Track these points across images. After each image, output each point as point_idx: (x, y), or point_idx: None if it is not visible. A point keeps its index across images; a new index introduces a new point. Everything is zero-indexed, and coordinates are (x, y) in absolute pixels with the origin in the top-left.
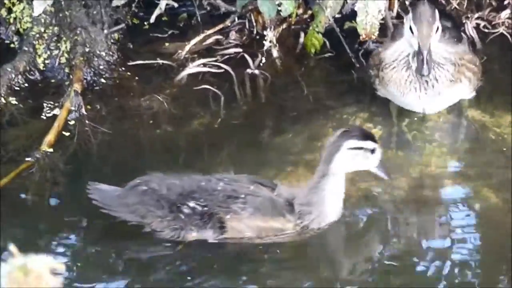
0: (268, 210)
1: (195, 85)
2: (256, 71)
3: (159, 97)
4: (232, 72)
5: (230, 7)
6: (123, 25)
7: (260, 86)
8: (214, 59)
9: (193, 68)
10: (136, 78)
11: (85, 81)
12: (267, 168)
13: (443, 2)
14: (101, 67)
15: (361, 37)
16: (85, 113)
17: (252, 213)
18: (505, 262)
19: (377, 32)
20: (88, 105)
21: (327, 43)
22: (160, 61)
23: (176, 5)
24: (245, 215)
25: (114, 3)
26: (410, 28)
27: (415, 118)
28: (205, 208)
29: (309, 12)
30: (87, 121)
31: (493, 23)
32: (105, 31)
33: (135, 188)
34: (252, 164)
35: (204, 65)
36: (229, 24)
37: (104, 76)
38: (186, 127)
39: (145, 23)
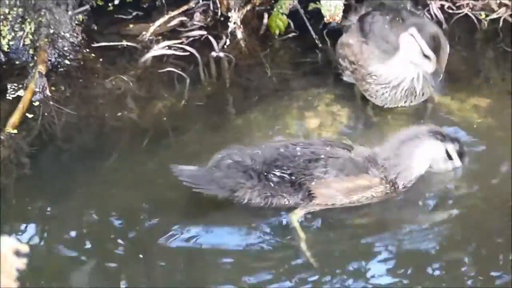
0: (351, 169)
1: (160, 67)
2: (221, 53)
3: (124, 78)
4: (196, 54)
5: None
6: (87, 6)
7: (225, 68)
8: (179, 41)
9: (157, 50)
10: (101, 59)
11: (49, 62)
12: None
13: None
14: (65, 48)
15: (325, 19)
16: (49, 94)
17: (336, 175)
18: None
19: (341, 14)
20: (53, 86)
21: (292, 24)
22: (125, 43)
23: None
24: (329, 178)
25: None
26: (424, 53)
27: None
28: (292, 177)
29: None
30: (51, 103)
31: (457, 4)
32: (70, 13)
33: (220, 163)
34: (217, 144)
35: (169, 47)
36: (194, 6)
37: (68, 57)
38: (151, 108)
39: (110, 4)
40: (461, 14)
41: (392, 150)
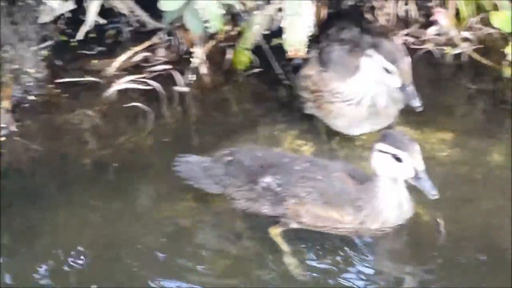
0: (332, 198)
1: (124, 102)
2: (186, 88)
3: (89, 113)
4: (160, 89)
5: (158, 24)
6: (51, 42)
7: (190, 103)
8: (142, 75)
9: (121, 84)
10: (65, 95)
11: (14, 98)
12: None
13: (371, 19)
14: (29, 84)
15: (288, 54)
16: (15, 130)
17: (314, 199)
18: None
19: (305, 49)
20: (18, 122)
21: (256, 59)
22: (88, 78)
23: (104, 21)
24: (306, 200)
25: (41, 20)
26: (385, 69)
27: (346, 136)
28: (278, 189)
29: (237, 28)
30: (17, 138)
31: (420, 39)
32: (33, 48)
33: (221, 159)
34: (182, 180)
35: (133, 81)
36: (157, 41)
37: (33, 93)
38: (115, 143)
39: (73, 40)
40: (424, 50)
41: (358, 193)
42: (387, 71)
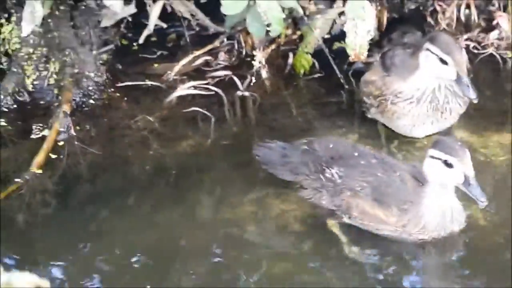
0: (382, 197)
1: (185, 107)
2: (246, 93)
3: (149, 118)
4: (222, 94)
5: (219, 28)
6: (112, 46)
7: (250, 107)
8: (204, 81)
9: (183, 90)
10: (125, 99)
11: (74, 102)
12: (258, 189)
13: (432, 23)
14: (90, 88)
15: (350, 58)
16: (74, 134)
17: (366, 195)
18: None
19: (366, 53)
20: (77, 126)
21: (316, 63)
22: (149, 82)
23: (165, 25)
24: (359, 194)
25: (103, 24)
26: (441, 60)
27: (404, 140)
28: (339, 180)
29: (298, 32)
30: (76, 142)
31: (482, 44)
32: (94, 52)
33: (299, 147)
34: (243, 184)
35: (194, 87)
36: (218, 45)
37: (93, 97)
38: (176, 148)
39: (134, 43)
40: (485, 54)
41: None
42: (443, 62)
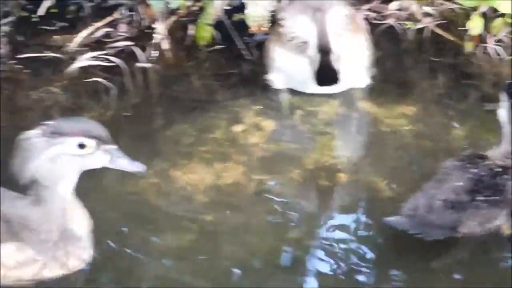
0: None
1: (86, 78)
2: (147, 64)
3: (51, 89)
4: (122, 65)
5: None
6: (12, 17)
7: (151, 79)
8: (104, 52)
9: (83, 61)
10: (26, 71)
11: None
12: (159, 160)
13: None
14: None
15: (250, 29)
16: None
17: None
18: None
19: (267, 24)
20: None
21: (218, 35)
22: (50, 54)
23: None
24: None
25: None
26: None
27: (308, 110)
28: (496, 197)
29: (199, 4)
30: None
31: (382, 14)
32: None
33: (428, 206)
34: (144, 156)
35: (95, 58)
36: (118, 17)
37: None
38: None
39: (34, 15)
40: (386, 25)
41: None
42: None
